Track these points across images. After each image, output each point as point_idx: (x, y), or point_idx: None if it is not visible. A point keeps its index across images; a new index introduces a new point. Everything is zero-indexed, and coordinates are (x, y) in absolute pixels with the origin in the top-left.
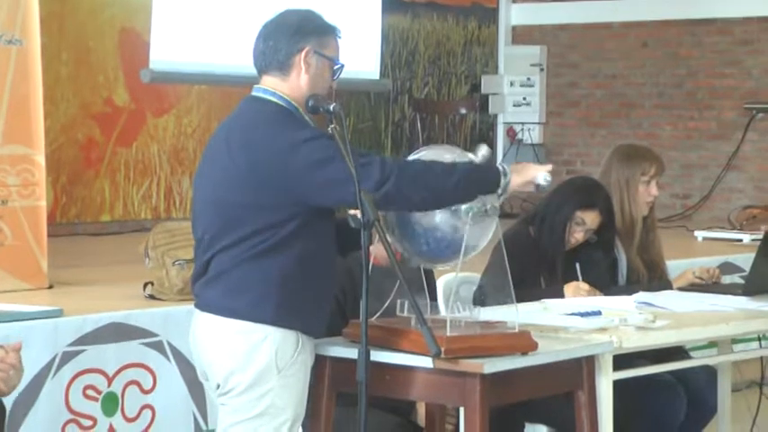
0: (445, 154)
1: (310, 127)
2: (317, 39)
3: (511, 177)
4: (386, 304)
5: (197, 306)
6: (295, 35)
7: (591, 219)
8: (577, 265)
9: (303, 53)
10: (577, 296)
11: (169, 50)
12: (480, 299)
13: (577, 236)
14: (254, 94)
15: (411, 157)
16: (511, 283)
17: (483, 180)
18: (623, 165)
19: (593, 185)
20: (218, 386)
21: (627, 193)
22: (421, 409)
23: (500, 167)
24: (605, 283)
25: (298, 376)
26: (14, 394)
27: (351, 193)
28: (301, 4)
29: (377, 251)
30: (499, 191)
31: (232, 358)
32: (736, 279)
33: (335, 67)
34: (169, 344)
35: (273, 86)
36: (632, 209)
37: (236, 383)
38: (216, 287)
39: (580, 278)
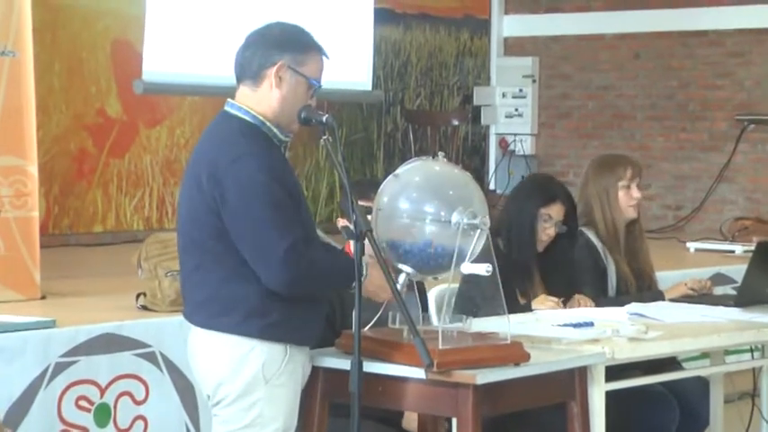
0: (435, 166)
1: (269, 162)
2: (294, 54)
3: (369, 275)
4: (377, 315)
5: (189, 321)
6: (272, 47)
7: (556, 212)
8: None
9: (276, 67)
10: (546, 306)
11: (162, 62)
12: (469, 308)
13: (549, 232)
14: (225, 108)
15: (397, 173)
16: (502, 294)
17: (340, 278)
18: (599, 175)
19: (546, 179)
20: (209, 397)
21: (607, 202)
22: (409, 414)
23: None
24: (576, 280)
25: (287, 386)
26: (7, 405)
27: (267, 261)
28: (293, 17)
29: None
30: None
31: (220, 369)
32: (728, 290)
33: (317, 87)
34: (162, 355)
35: (243, 99)
36: (614, 217)
37: (225, 394)
38: (201, 313)
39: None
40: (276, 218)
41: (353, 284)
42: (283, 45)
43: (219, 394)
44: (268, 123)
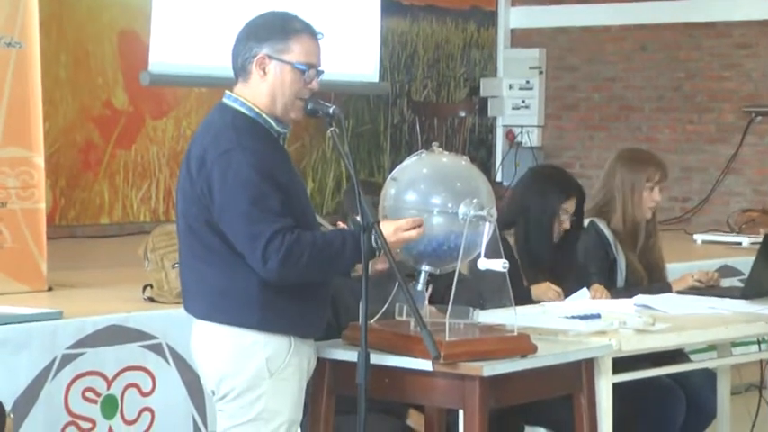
0: (442, 158)
1: (258, 155)
2: (273, 43)
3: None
4: (384, 307)
5: (188, 312)
6: (251, 40)
7: (571, 205)
8: None
9: (256, 59)
10: (547, 296)
11: (168, 53)
12: (475, 300)
13: (565, 225)
14: (223, 100)
15: (395, 176)
16: (509, 286)
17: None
18: (628, 169)
19: (562, 173)
20: (213, 392)
21: (631, 198)
22: (414, 415)
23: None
24: (584, 271)
25: (291, 380)
26: (14, 396)
27: (253, 254)
28: (300, 8)
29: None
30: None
31: (223, 364)
32: (735, 282)
33: (307, 70)
34: (168, 346)
35: (240, 91)
36: (635, 213)
37: (230, 389)
38: (201, 303)
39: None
40: (256, 212)
41: (357, 266)
42: (262, 36)
43: (223, 389)
44: (264, 115)
